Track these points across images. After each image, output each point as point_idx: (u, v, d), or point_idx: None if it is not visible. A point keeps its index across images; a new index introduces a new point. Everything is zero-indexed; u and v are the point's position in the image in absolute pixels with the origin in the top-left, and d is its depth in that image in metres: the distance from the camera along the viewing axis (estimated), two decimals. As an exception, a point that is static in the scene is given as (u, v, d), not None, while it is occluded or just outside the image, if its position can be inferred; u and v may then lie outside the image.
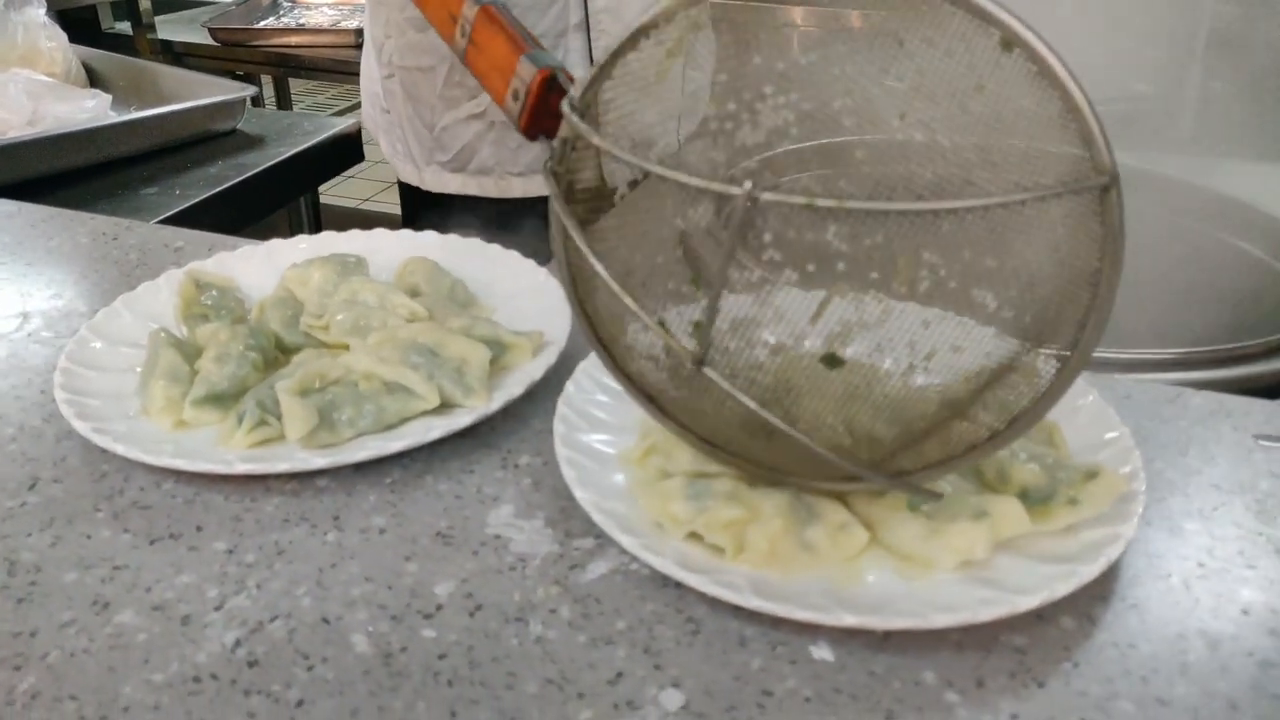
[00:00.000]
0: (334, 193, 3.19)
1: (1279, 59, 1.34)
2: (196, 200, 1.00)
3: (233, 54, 2.39)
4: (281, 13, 2.55)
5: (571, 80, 0.58)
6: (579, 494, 0.45)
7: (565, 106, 0.43)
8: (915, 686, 0.38)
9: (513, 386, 0.52)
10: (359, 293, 0.59)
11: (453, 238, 0.69)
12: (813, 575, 0.42)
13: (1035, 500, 0.43)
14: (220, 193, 1.03)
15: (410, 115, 1.06)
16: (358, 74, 1.21)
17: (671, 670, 0.39)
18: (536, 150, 1.06)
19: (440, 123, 1.05)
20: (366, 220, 1.09)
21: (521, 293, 0.63)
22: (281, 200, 1.19)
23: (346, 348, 0.56)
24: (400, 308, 0.58)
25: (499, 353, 0.55)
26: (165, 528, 0.46)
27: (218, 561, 0.44)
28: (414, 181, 1.09)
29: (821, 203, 0.36)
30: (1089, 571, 0.39)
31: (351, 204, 3.17)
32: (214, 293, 0.61)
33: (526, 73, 0.59)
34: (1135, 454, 0.46)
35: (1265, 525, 0.45)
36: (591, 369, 0.54)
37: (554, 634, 0.40)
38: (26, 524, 0.46)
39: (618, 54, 0.42)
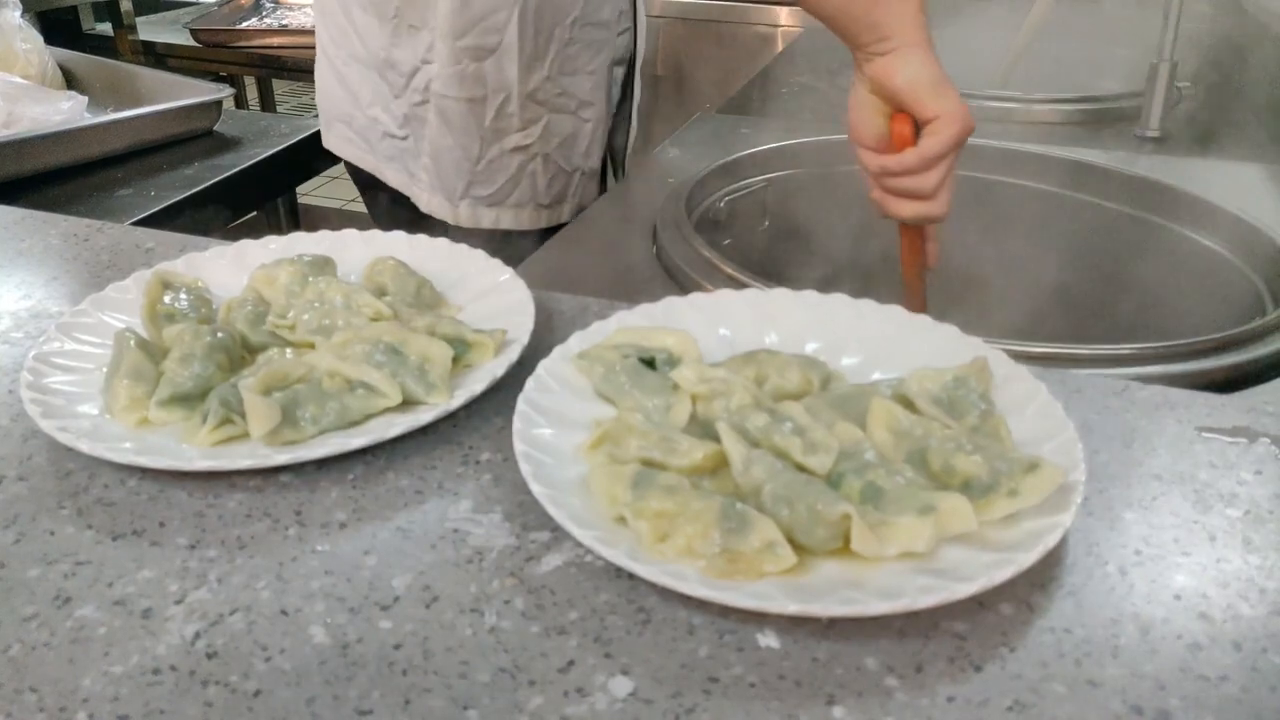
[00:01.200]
0: (318, 194, 3.20)
1: (1245, 61, 1.36)
2: (171, 202, 1.01)
3: (215, 55, 2.39)
4: (264, 13, 2.55)
5: None
6: (535, 488, 0.46)
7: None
8: (856, 672, 0.39)
9: (474, 384, 0.53)
10: (325, 293, 0.60)
11: (420, 238, 0.69)
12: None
13: (977, 491, 0.44)
14: (195, 194, 1.04)
15: (450, 145, 1.03)
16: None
17: (621, 658, 0.40)
18: (564, 181, 1.08)
19: (487, 155, 1.03)
20: (345, 221, 1.10)
21: (487, 292, 0.64)
22: (258, 202, 1.20)
23: (312, 346, 0.57)
24: (365, 307, 0.58)
25: (462, 351, 0.56)
26: (129, 524, 0.47)
27: (180, 556, 0.45)
28: (445, 217, 1.06)
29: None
30: (1027, 559, 0.41)
31: (335, 204, 3.17)
32: (181, 293, 0.62)
33: None
34: (1078, 446, 0.47)
35: (1201, 514, 0.47)
36: (553, 366, 0.55)
37: (507, 624, 0.41)
38: (-9, 521, 0.47)
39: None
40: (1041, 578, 0.43)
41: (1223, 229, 0.96)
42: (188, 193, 1.03)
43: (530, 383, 0.53)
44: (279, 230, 1.33)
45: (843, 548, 0.43)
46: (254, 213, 1.19)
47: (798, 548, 0.43)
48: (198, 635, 0.41)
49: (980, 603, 0.41)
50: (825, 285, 0.63)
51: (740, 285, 0.75)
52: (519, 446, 0.48)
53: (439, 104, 1.02)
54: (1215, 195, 0.97)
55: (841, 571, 0.42)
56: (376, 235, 0.70)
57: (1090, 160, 1.06)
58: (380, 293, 0.62)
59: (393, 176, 1.10)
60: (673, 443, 0.48)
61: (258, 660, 0.40)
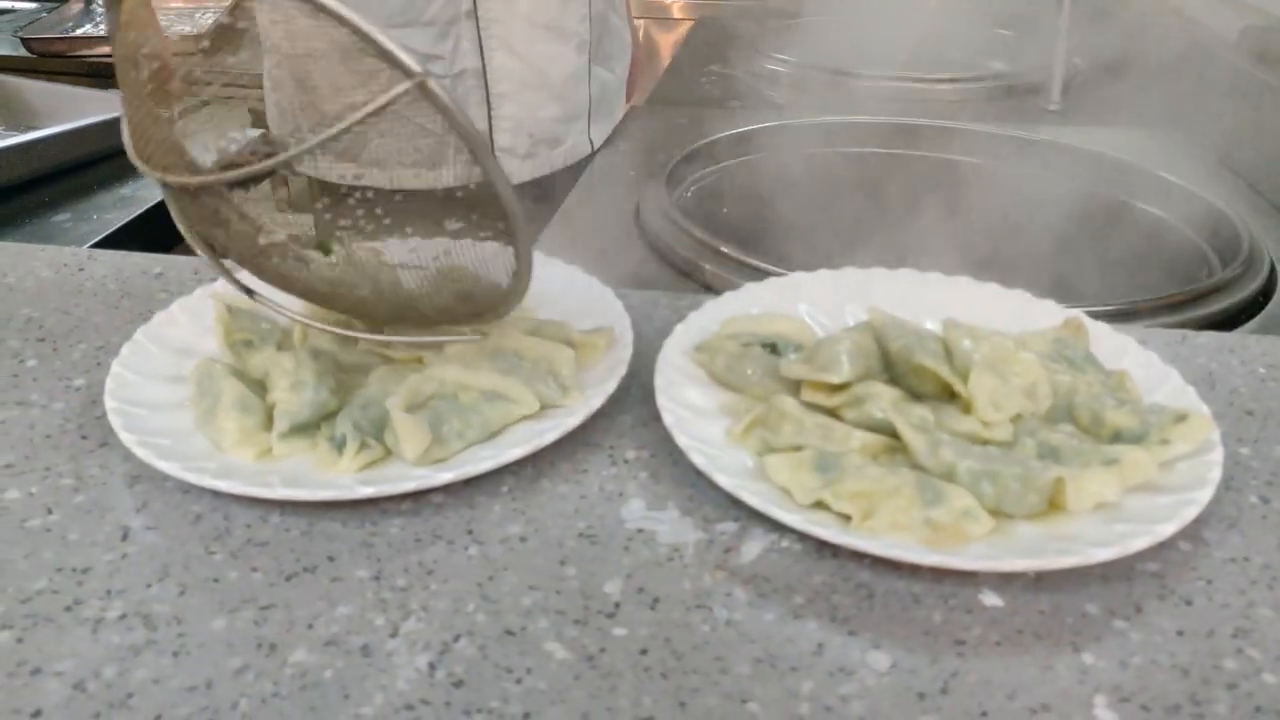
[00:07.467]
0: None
1: (1132, 34, 1.48)
2: (122, 224, 0.93)
3: (47, 65, 2.20)
4: (97, 19, 2.36)
5: None
6: (721, 479, 0.46)
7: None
8: (1084, 619, 0.41)
9: (606, 383, 0.53)
10: (408, 304, 0.57)
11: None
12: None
13: (1129, 441, 0.48)
14: (145, 214, 0.96)
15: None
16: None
17: (866, 634, 0.40)
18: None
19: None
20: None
21: (561, 293, 0.63)
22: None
23: (420, 362, 0.54)
24: (461, 316, 0.56)
25: (572, 352, 0.55)
26: (295, 562, 0.44)
27: (368, 589, 0.42)
28: None
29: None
30: (1204, 496, 0.44)
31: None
32: (246, 317, 0.57)
33: None
34: (1191, 391, 0.51)
35: (1306, 442, 0.52)
36: (672, 357, 0.55)
37: (741, 616, 0.41)
38: (139, 575, 0.43)
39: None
40: (1200, 513, 0.47)
41: (1160, 195, 1.04)
42: (137, 212, 0.95)
43: (659, 379, 0.53)
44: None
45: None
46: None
47: (993, 513, 0.45)
48: (432, 666, 0.39)
49: (1161, 543, 0.45)
50: (810, 263, 0.65)
51: (744, 266, 0.77)
52: (683, 440, 0.48)
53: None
54: (1126, 158, 1.06)
55: (1037, 529, 0.44)
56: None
57: (999, 133, 1.13)
58: (458, 300, 0.60)
59: None
60: (828, 429, 0.49)
61: (508, 683, 0.38)
